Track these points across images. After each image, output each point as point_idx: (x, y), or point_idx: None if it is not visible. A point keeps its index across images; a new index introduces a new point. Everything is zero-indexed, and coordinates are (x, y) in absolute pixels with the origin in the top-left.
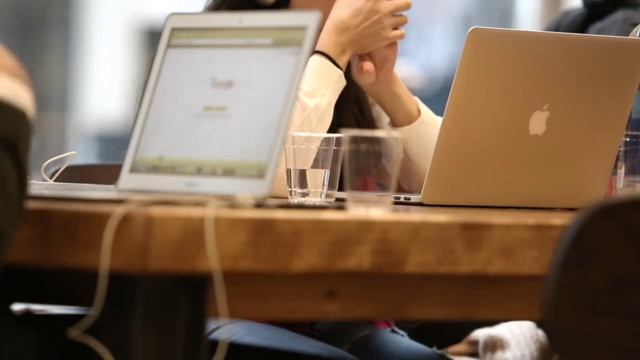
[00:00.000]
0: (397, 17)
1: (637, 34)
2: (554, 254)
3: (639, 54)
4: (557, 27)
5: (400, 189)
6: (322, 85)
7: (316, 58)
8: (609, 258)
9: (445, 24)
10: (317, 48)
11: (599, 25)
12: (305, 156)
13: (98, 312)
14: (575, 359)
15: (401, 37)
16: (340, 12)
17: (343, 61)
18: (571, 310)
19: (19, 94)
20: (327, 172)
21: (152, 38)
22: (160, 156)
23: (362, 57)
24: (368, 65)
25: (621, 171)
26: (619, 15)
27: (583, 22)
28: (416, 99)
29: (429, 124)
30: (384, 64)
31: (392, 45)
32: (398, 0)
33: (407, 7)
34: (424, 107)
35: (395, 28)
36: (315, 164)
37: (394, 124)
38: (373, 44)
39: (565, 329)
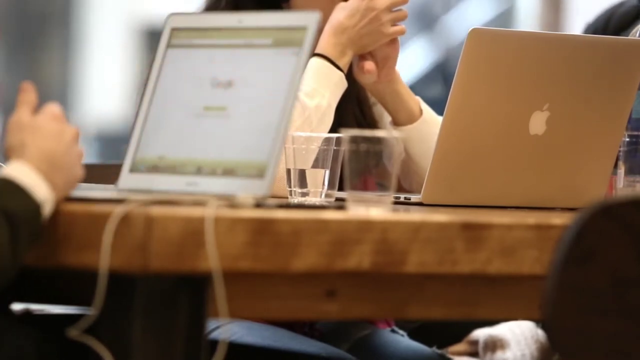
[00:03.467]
0: (396, 13)
1: (637, 34)
2: (554, 253)
3: (639, 54)
4: (609, 16)
5: (400, 189)
6: (322, 86)
7: (316, 60)
8: (609, 258)
9: None
10: (317, 51)
11: None
12: (305, 156)
13: (98, 311)
14: (575, 358)
15: (401, 32)
16: (337, 14)
17: (344, 62)
18: (571, 310)
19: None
20: (327, 172)
21: (152, 38)
22: (160, 156)
23: (363, 57)
24: (369, 65)
25: (621, 171)
26: None
27: (637, 14)
28: (418, 98)
29: (431, 123)
30: (386, 62)
31: (393, 43)
32: None
33: (404, 1)
34: (425, 107)
35: (395, 24)
36: (315, 164)
37: (396, 123)
38: (373, 42)
39: (566, 329)
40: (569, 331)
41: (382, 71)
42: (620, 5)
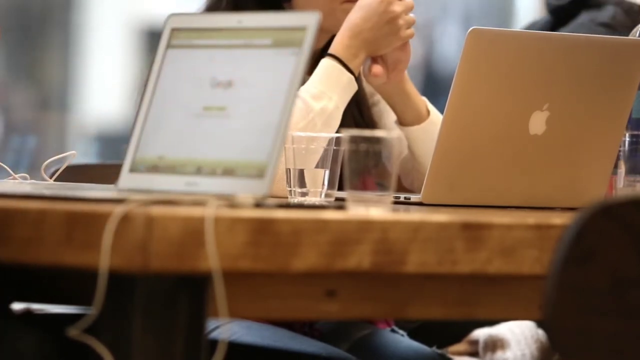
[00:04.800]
0: (408, 18)
1: (637, 34)
2: (554, 253)
3: (639, 54)
4: None
5: (401, 187)
6: (329, 89)
7: (327, 61)
8: (609, 258)
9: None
10: (330, 51)
11: (564, 30)
12: (305, 156)
13: (97, 311)
14: (576, 358)
15: (412, 36)
16: (354, 15)
17: (355, 64)
18: (571, 310)
19: None
20: (327, 171)
21: (152, 38)
22: (160, 156)
23: (374, 59)
24: (376, 69)
25: (621, 171)
26: (584, 17)
27: (550, 30)
28: (424, 99)
29: (437, 124)
30: (396, 66)
31: (405, 47)
32: (408, 1)
33: (412, 8)
34: (432, 108)
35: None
36: (315, 164)
37: (403, 124)
38: (388, 46)
39: (566, 329)
40: (569, 331)
41: (392, 74)
42: (532, 25)
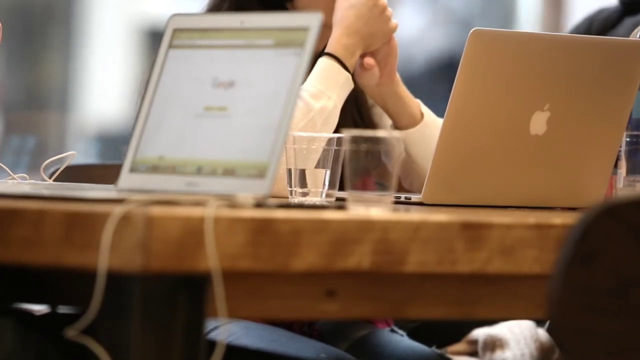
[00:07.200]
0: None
1: (638, 35)
2: (559, 253)
3: (639, 54)
4: (590, 23)
5: (401, 189)
6: (328, 88)
7: (325, 60)
8: (613, 258)
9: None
10: (327, 50)
11: (633, 19)
12: (306, 156)
13: (95, 312)
14: (580, 358)
15: (397, 27)
16: (347, 13)
17: (352, 63)
18: (576, 309)
19: None
20: (328, 172)
21: (153, 39)
22: (160, 156)
23: (363, 56)
24: (369, 60)
25: (621, 171)
26: None
27: (618, 18)
28: (418, 101)
29: (432, 126)
30: (387, 62)
31: (390, 40)
32: None
33: None
34: (426, 110)
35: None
36: (316, 164)
37: (398, 127)
38: (383, 38)
39: (570, 329)
40: (573, 331)
41: (384, 71)
42: (599, 12)
